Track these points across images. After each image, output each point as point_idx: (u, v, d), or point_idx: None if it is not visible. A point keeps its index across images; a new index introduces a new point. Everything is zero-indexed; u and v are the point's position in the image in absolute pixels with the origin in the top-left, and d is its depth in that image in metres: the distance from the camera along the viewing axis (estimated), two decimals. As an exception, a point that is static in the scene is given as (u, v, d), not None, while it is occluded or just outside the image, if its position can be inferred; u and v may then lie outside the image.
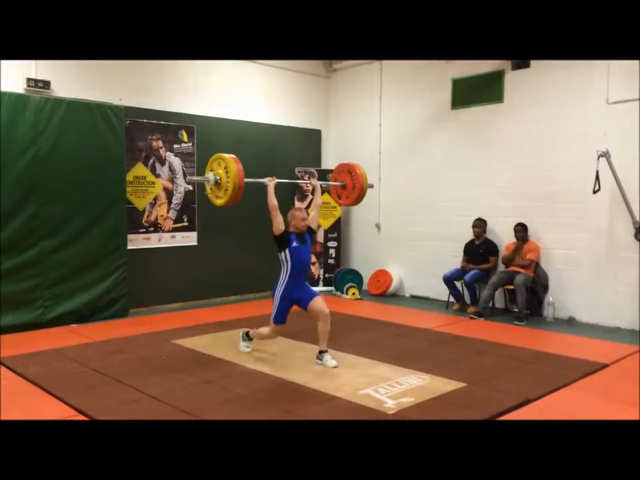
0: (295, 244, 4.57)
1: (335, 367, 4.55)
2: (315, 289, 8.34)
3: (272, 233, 4.61)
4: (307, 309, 4.60)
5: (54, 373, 4.41)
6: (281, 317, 4.62)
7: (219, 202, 4.51)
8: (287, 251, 4.55)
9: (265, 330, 4.81)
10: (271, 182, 4.70)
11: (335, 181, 5.36)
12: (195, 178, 4.63)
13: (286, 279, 4.57)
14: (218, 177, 4.43)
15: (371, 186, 5.30)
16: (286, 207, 8.10)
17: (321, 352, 4.65)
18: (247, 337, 4.99)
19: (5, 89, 5.71)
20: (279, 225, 4.56)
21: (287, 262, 4.56)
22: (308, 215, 4.78)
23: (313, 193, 5.16)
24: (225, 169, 4.42)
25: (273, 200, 4.61)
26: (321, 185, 5.03)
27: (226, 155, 4.50)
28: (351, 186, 5.18)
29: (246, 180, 4.48)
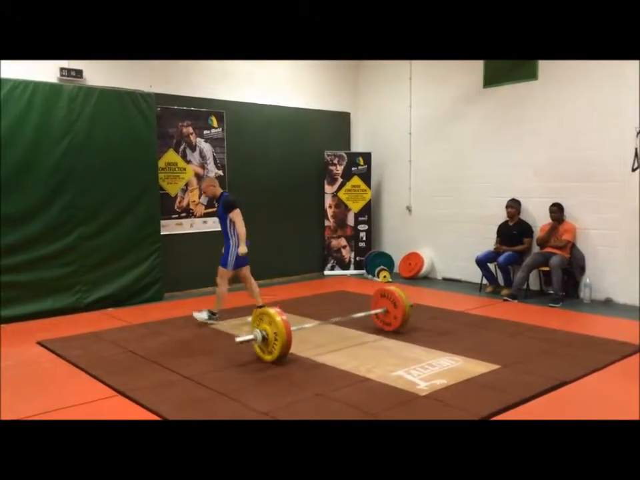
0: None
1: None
2: (346, 272, 8.47)
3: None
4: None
5: (93, 355, 4.55)
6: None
7: (269, 358, 4.31)
8: None
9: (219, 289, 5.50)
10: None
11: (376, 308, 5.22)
12: (243, 338, 4.37)
13: None
14: (265, 333, 4.30)
15: (412, 305, 5.12)
16: (315, 191, 8.21)
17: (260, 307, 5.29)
18: (212, 314, 5.54)
19: (40, 78, 5.83)
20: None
21: None
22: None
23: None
24: (270, 324, 4.27)
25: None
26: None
27: (271, 310, 4.32)
28: (392, 311, 5.07)
29: None
